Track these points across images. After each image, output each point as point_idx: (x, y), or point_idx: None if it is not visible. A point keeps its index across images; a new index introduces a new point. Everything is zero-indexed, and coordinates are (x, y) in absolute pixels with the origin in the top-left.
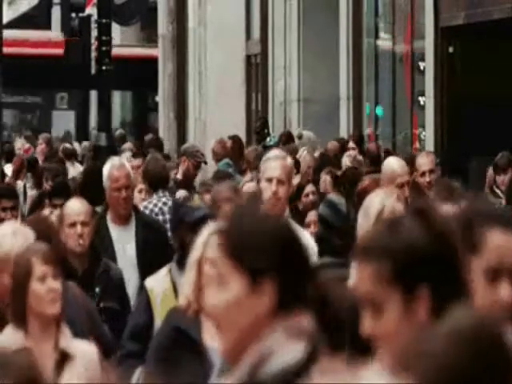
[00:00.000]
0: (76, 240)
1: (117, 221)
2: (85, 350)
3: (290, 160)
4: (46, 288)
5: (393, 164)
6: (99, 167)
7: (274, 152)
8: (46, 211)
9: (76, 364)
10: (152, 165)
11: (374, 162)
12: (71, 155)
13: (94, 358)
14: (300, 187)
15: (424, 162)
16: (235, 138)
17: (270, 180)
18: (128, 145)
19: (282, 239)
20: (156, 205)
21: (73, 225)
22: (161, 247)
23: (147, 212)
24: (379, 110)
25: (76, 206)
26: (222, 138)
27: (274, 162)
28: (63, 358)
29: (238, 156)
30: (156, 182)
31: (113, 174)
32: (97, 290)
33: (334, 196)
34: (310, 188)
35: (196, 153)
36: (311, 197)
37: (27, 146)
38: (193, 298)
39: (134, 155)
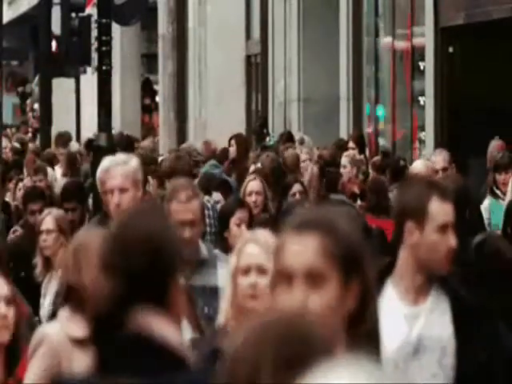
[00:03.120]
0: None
1: None
2: None
3: (133, 163)
4: None
5: (417, 166)
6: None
7: (112, 159)
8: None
9: None
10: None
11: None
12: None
13: None
14: (286, 186)
15: (437, 159)
16: (239, 137)
17: (111, 191)
18: (147, 142)
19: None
20: None
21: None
22: None
23: None
24: (380, 110)
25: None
26: (208, 140)
27: (114, 170)
28: None
29: (243, 155)
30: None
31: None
32: None
33: (338, 196)
34: (296, 187)
35: (193, 152)
36: (298, 196)
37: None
38: (230, 314)
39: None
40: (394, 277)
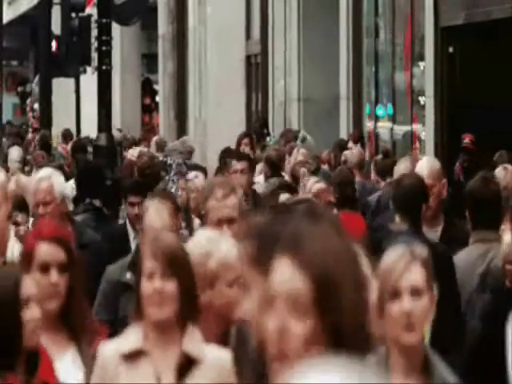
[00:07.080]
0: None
1: None
2: (217, 357)
3: (0, 175)
4: (152, 287)
5: (421, 165)
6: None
7: None
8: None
9: (204, 369)
10: None
11: (275, 168)
12: None
13: (226, 365)
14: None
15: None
16: (250, 135)
17: None
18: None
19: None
20: None
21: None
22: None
23: None
24: (380, 110)
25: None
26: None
27: None
28: (187, 363)
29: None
30: None
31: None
32: None
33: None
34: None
35: (184, 152)
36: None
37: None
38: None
39: (239, 158)
40: None
